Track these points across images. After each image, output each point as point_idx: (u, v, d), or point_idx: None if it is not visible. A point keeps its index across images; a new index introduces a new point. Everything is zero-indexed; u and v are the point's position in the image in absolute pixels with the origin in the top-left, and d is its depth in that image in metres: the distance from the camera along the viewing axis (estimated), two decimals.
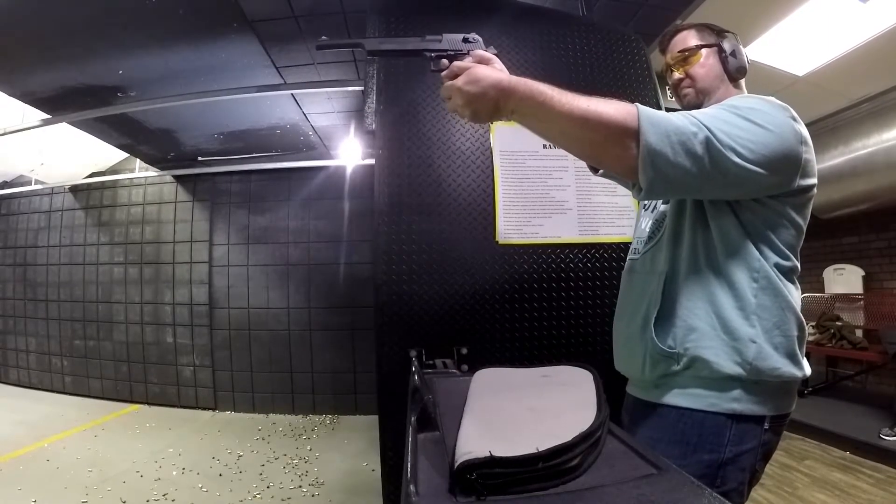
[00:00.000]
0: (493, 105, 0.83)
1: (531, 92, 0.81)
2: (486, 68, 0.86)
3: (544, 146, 1.50)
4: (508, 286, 1.40)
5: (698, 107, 1.06)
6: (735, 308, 0.89)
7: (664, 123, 0.80)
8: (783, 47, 2.95)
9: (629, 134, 0.79)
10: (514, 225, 1.44)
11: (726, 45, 1.06)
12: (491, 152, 1.47)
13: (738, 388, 0.88)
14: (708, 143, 0.80)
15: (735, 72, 1.07)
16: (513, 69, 1.54)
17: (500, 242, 1.42)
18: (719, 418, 0.88)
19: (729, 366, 0.87)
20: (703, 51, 1.07)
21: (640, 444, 0.57)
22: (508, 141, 1.48)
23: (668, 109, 1.60)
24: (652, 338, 0.94)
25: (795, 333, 0.91)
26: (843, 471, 3.00)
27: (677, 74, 1.10)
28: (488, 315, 1.38)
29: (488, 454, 0.46)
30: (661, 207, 1.08)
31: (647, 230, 1.10)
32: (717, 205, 0.93)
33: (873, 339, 4.13)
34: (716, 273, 0.92)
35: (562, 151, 1.51)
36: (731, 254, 0.92)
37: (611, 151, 0.83)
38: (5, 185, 5.69)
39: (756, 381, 0.88)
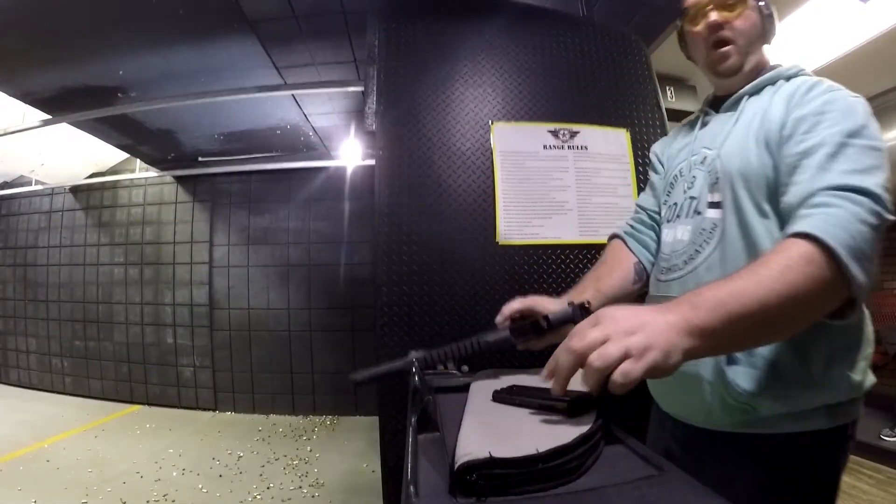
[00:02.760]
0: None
1: (729, 314, 0.59)
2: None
3: (544, 146, 1.50)
4: (509, 287, 1.40)
5: (736, 71, 0.91)
6: (825, 343, 0.76)
7: (857, 245, 0.63)
8: (784, 47, 2.95)
9: (836, 281, 0.62)
10: (514, 225, 1.44)
11: (767, 6, 0.91)
12: (491, 153, 1.47)
13: (823, 410, 0.78)
14: (879, 217, 0.66)
15: (769, 33, 0.91)
16: (513, 70, 1.55)
17: (500, 243, 1.42)
18: (805, 438, 0.78)
19: (816, 403, 0.77)
20: (751, 1, 0.90)
21: (641, 445, 0.57)
22: (509, 141, 1.48)
23: (668, 111, 1.60)
24: (728, 383, 0.78)
25: (870, 351, 0.82)
26: (844, 472, 3.00)
27: (715, 17, 0.89)
28: (489, 316, 1.37)
29: (488, 455, 0.46)
30: (710, 214, 0.88)
31: (688, 241, 0.91)
32: None
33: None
34: None
35: (562, 152, 1.52)
36: None
37: (827, 306, 0.67)
38: (6, 185, 5.69)
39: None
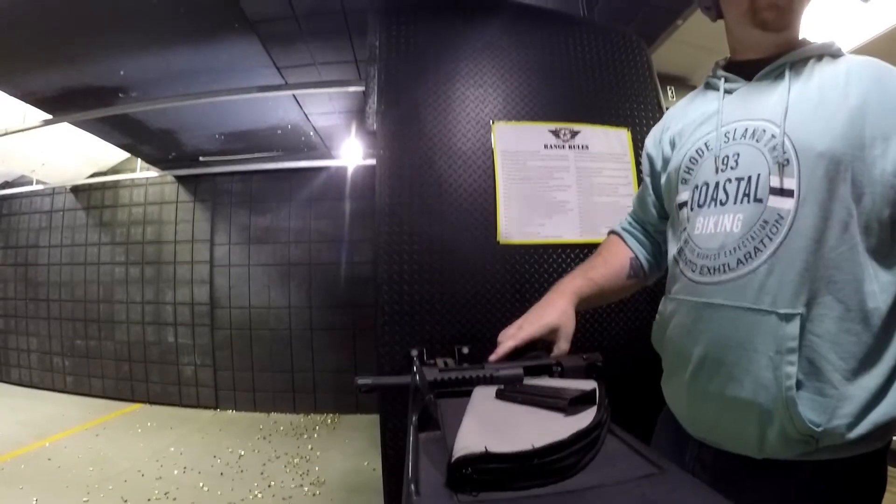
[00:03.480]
0: None
1: None
2: None
3: (545, 146, 1.50)
4: (510, 286, 1.40)
5: (784, 28, 0.80)
6: (895, 357, 0.69)
7: None
8: None
9: None
10: (515, 225, 1.44)
11: None
12: (492, 152, 1.47)
13: (880, 431, 0.71)
14: None
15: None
16: (514, 70, 1.55)
17: (501, 242, 1.42)
18: (863, 460, 0.72)
19: (879, 422, 0.69)
20: None
21: (642, 444, 0.58)
22: (509, 141, 1.48)
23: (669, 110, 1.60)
24: (796, 415, 0.68)
25: None
26: None
27: None
28: (489, 314, 1.38)
29: (483, 449, 0.46)
30: (775, 202, 0.73)
31: (742, 235, 0.75)
32: None
33: None
34: (887, 320, 0.69)
35: (563, 152, 1.52)
36: None
37: None
38: (7, 185, 5.70)
39: None
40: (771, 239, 0.72)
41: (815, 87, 0.76)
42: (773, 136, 0.74)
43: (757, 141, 0.77)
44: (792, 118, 0.74)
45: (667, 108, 1.64)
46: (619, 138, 1.55)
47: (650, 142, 1.05)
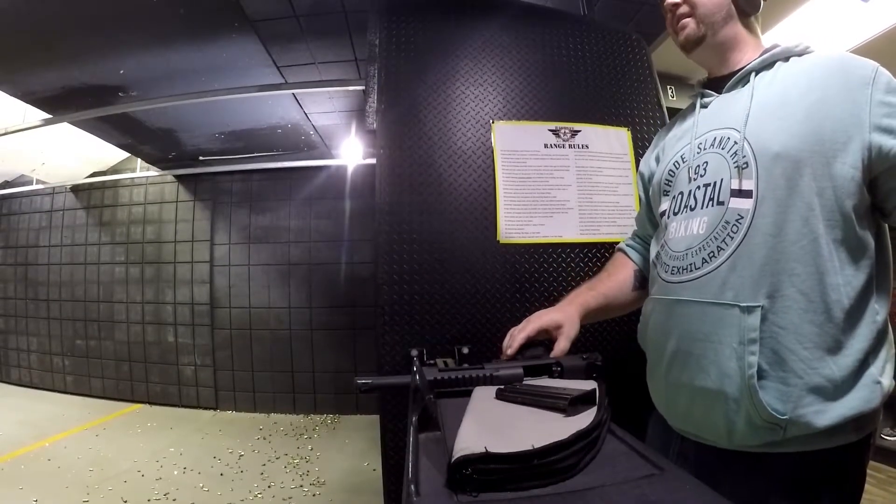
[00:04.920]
0: None
1: None
2: None
3: (545, 145, 1.50)
4: (510, 285, 1.40)
5: (700, 41, 0.87)
6: (862, 351, 0.71)
7: None
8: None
9: None
10: (515, 224, 1.44)
11: None
12: (492, 152, 1.47)
13: (852, 424, 0.72)
14: None
15: (745, 3, 0.87)
16: (514, 69, 1.54)
17: (501, 241, 1.42)
18: (835, 454, 0.72)
19: (847, 414, 0.70)
20: None
21: (642, 444, 0.57)
22: (509, 140, 1.48)
23: (669, 109, 1.60)
24: (758, 402, 0.71)
25: (893, 352, 0.76)
26: None
27: None
28: (490, 314, 1.38)
29: (483, 449, 0.46)
30: (736, 203, 0.77)
31: (707, 236, 0.80)
32: None
33: None
34: (850, 312, 0.71)
35: (563, 151, 1.51)
36: (880, 286, 0.73)
37: None
38: (7, 184, 5.69)
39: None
40: (732, 238, 0.77)
41: (778, 89, 0.79)
42: (735, 143, 0.79)
43: (722, 148, 0.82)
44: (752, 122, 0.78)
45: (667, 108, 1.65)
46: (619, 138, 1.55)
47: (642, 162, 1.13)
